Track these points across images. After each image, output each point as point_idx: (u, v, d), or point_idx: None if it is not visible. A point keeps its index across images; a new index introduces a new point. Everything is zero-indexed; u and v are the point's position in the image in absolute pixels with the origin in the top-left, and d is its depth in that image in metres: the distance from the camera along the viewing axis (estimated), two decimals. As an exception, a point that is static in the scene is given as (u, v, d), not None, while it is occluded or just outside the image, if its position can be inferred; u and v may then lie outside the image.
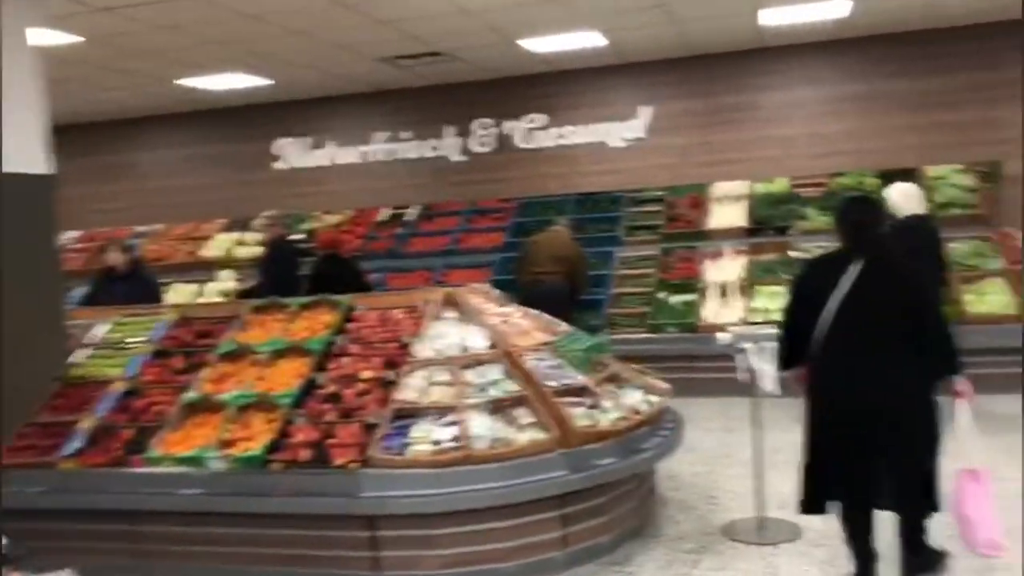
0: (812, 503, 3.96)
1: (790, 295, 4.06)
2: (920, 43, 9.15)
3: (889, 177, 9.20)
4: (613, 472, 4.52)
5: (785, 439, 6.66)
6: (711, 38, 9.08)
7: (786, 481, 5.67)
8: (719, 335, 4.93)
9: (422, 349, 4.92)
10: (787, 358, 4.06)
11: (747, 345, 4.75)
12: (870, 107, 9.42)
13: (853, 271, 3.73)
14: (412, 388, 4.67)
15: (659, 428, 5.02)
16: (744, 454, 5.88)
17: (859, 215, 3.90)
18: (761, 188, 9.71)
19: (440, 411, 4.52)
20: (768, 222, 9.27)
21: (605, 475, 4.49)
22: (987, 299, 7.87)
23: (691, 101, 9.99)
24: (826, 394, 3.85)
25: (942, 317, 3.88)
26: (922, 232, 6.46)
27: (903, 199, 6.68)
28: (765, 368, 4.72)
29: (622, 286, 9.22)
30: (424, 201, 10.78)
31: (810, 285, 3.92)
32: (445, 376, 4.71)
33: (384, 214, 10.84)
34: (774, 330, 4.84)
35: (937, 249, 6.64)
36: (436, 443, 4.34)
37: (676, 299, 8.84)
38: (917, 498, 3.88)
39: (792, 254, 8.98)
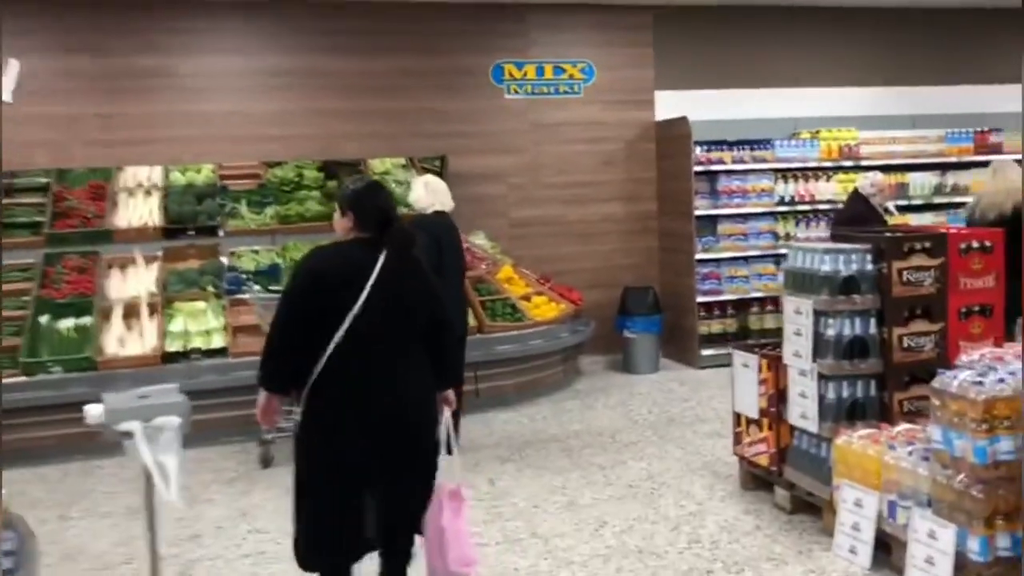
0: (315, 558, 3.30)
1: (293, 298, 3.24)
2: (365, 16, 8.05)
3: (331, 170, 8.05)
4: None
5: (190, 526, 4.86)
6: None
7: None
8: (89, 409, 2.95)
9: None
10: (284, 378, 3.26)
11: (132, 427, 2.86)
12: (307, 86, 8.06)
13: (379, 265, 3.24)
14: None
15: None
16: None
17: (385, 201, 3.44)
18: (180, 177, 7.76)
19: None
20: (190, 220, 7.38)
21: None
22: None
23: (78, 59, 7.59)
24: (344, 410, 3.19)
25: (451, 323, 3.63)
26: (448, 231, 5.77)
27: (430, 194, 5.81)
28: (167, 463, 2.88)
29: (-16, 309, 6.54)
30: None
31: (326, 283, 3.20)
32: None
33: None
34: (174, 398, 3.03)
35: (460, 251, 6.06)
36: None
37: (64, 325, 6.49)
38: (416, 531, 3.42)
39: (223, 260, 7.29)
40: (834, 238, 4.99)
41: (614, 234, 8.70)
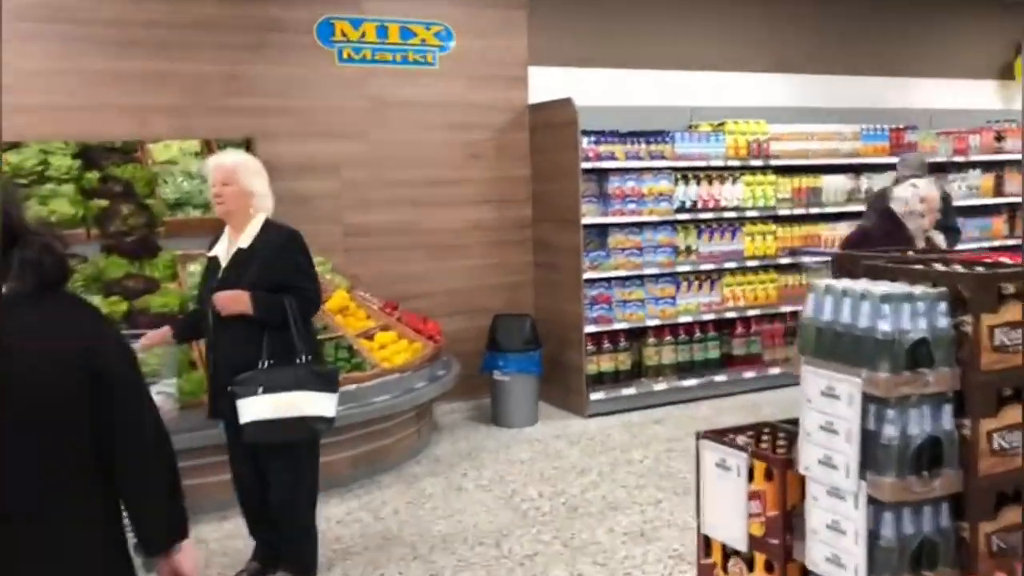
0: None
1: None
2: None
3: (92, 157, 5.83)
4: None
5: None
6: None
7: None
8: None
9: None
10: None
11: None
12: (60, 36, 5.71)
13: None
14: None
15: None
16: None
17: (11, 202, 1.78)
18: None
19: None
20: None
21: None
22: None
23: None
24: None
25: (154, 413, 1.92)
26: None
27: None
28: None
29: None
30: None
31: None
32: None
33: None
34: None
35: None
36: None
37: None
38: None
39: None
40: (844, 266, 3.32)
41: (480, 246, 6.85)
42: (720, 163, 6.91)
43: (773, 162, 7.12)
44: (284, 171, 6.07)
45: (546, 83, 6.89)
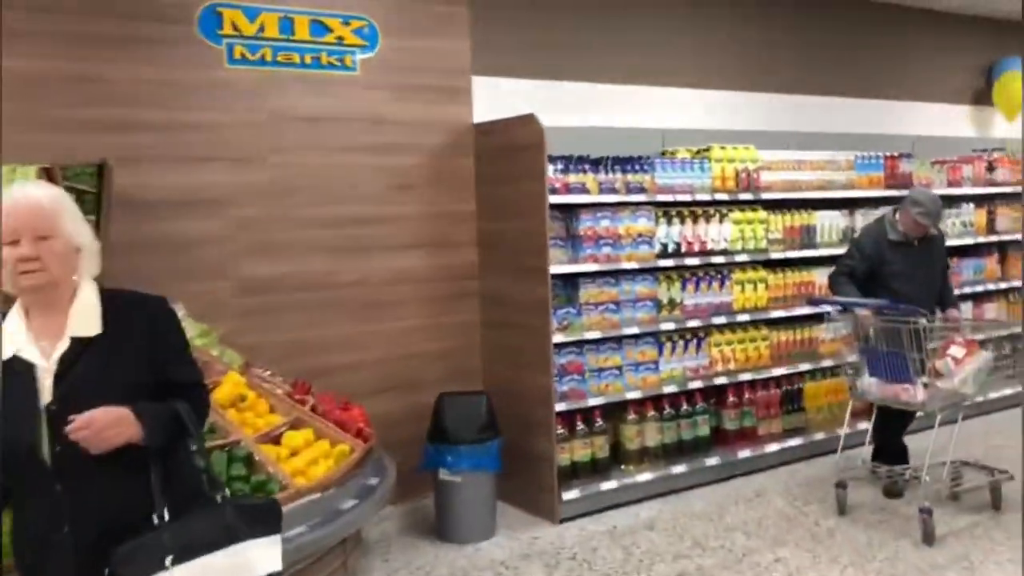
0: None
1: None
2: None
3: None
4: None
5: None
6: None
7: None
8: None
9: None
10: None
11: None
12: None
13: None
14: None
15: None
16: None
17: None
18: None
19: None
20: None
21: None
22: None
23: None
24: None
25: None
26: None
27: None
28: None
29: None
30: None
31: None
32: None
33: None
34: None
35: None
36: None
37: None
38: None
39: None
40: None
41: (414, 304, 5.36)
42: (706, 196, 5.67)
43: (764, 195, 5.95)
44: (153, 207, 4.50)
45: (490, 96, 5.53)
